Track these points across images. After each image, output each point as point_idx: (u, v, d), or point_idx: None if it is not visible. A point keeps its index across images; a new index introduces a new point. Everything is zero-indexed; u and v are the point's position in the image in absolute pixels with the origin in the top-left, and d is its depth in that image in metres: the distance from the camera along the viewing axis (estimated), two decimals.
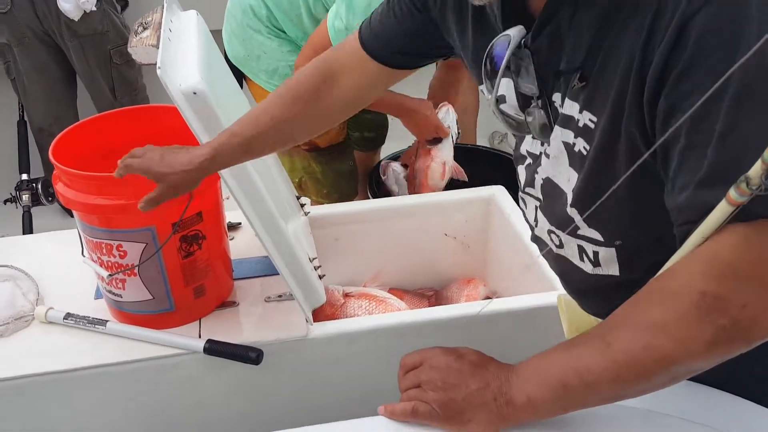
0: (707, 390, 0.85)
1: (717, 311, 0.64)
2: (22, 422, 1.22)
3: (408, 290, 1.72)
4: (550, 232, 0.86)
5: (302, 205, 1.62)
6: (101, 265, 1.20)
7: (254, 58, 1.82)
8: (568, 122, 0.75)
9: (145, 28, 1.12)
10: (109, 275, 1.19)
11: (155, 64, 1.00)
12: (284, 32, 1.80)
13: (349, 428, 0.82)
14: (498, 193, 1.69)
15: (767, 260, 0.63)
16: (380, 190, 2.02)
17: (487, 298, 1.63)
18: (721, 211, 0.61)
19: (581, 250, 0.83)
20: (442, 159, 1.89)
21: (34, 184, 2.49)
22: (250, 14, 1.77)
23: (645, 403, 0.79)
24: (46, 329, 1.26)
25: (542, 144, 0.84)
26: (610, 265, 0.81)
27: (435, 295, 1.71)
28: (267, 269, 1.42)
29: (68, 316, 1.25)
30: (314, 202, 2.00)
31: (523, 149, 0.90)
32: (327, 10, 1.67)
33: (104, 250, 1.18)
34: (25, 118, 2.76)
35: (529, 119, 0.81)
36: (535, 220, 0.90)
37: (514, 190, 1.79)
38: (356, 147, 2.17)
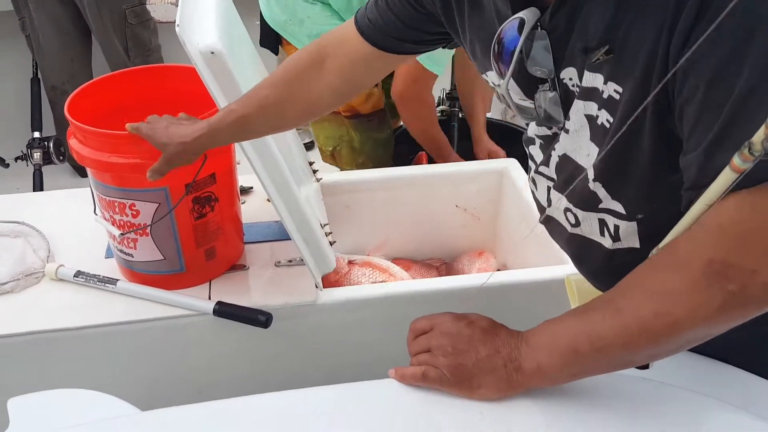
0: (710, 362, 0.85)
1: (726, 278, 0.64)
2: (30, 377, 1.23)
3: (416, 260, 1.72)
4: (566, 210, 0.86)
5: (314, 171, 1.61)
6: (113, 224, 1.20)
7: (297, 22, 1.82)
8: (591, 94, 0.74)
9: None
10: (121, 234, 1.20)
11: (173, 22, 0.99)
12: (328, 1, 1.79)
13: (359, 389, 0.82)
14: (511, 165, 1.68)
15: None
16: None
17: (498, 270, 1.64)
18: (726, 177, 0.61)
19: (602, 224, 0.82)
20: None
21: (45, 143, 2.48)
22: None
23: (649, 374, 0.80)
24: (56, 286, 1.27)
25: (550, 128, 0.84)
26: (630, 238, 0.81)
27: (445, 267, 1.71)
28: (278, 234, 1.42)
29: (78, 273, 1.26)
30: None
31: (531, 132, 0.89)
32: None
33: (117, 209, 1.18)
34: (39, 76, 2.75)
35: (537, 103, 0.80)
36: (548, 200, 0.89)
37: (527, 163, 1.79)
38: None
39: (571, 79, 0.76)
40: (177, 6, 1.03)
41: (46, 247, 1.34)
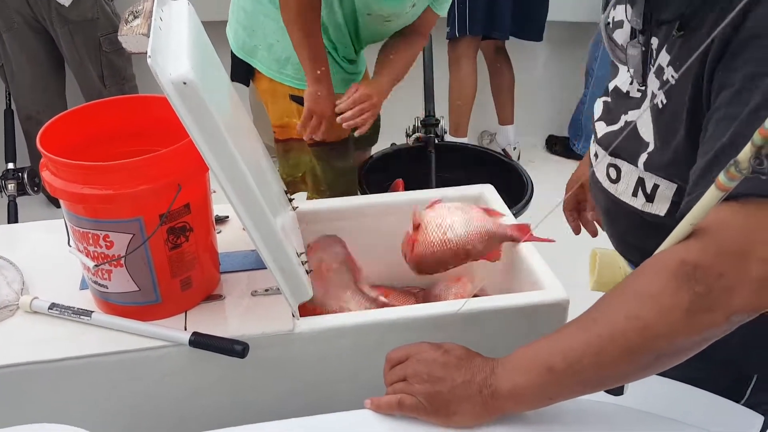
0: (679, 385, 0.86)
1: (694, 279, 0.65)
2: (4, 411, 1.20)
3: (394, 287, 1.72)
4: (610, 165, 0.88)
5: (291, 200, 1.61)
6: (87, 256, 1.19)
7: (266, 47, 1.82)
8: (659, 73, 0.77)
9: (135, 17, 1.11)
10: (95, 266, 1.18)
11: (145, 53, 0.99)
12: None
13: (334, 421, 0.82)
14: (486, 191, 1.70)
15: (748, 235, 0.64)
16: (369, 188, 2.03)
17: (476, 296, 1.64)
18: (712, 194, 0.62)
19: (640, 183, 0.84)
20: None
21: (20, 174, 2.47)
22: (265, 1, 1.77)
23: (621, 401, 0.80)
24: (30, 319, 1.25)
25: (631, 83, 0.87)
26: (662, 202, 0.82)
27: (423, 294, 1.71)
28: (254, 263, 1.42)
29: (53, 306, 1.24)
30: (310, 199, 2.01)
31: (613, 84, 0.93)
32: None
33: (90, 240, 1.17)
34: (12, 107, 2.73)
35: (629, 52, 0.83)
36: (596, 154, 0.91)
37: (502, 189, 1.81)
38: None
39: (653, 46, 0.79)
40: (148, 37, 1.04)
41: (20, 280, 1.32)
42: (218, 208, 1.46)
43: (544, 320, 1.32)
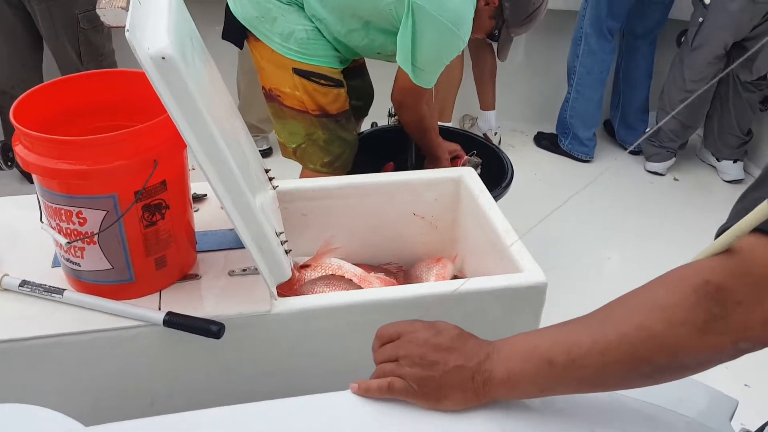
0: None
1: (713, 299, 0.65)
2: None
3: (373, 266, 1.72)
4: None
5: (270, 179, 1.60)
6: (60, 232, 1.17)
7: (269, 20, 1.84)
8: None
9: None
10: (68, 243, 1.16)
11: (124, 26, 0.96)
12: (302, 5, 1.84)
13: (315, 402, 0.81)
14: (466, 174, 1.70)
15: None
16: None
17: (455, 277, 1.64)
18: (758, 214, 0.61)
19: None
20: None
21: None
22: None
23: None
24: (0, 296, 1.23)
25: None
26: None
27: (403, 274, 1.71)
28: (231, 242, 1.40)
29: (24, 283, 1.22)
30: (312, 171, 2.03)
31: None
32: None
33: (63, 217, 1.15)
34: None
35: None
36: None
37: (482, 173, 1.82)
38: None
39: None
40: (127, 10, 1.01)
41: None
42: (196, 186, 1.44)
43: (522, 303, 1.33)
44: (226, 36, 1.97)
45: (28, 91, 1.21)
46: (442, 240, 1.74)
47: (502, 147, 2.50)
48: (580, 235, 2.74)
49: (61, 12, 2.50)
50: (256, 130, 3.06)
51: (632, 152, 3.42)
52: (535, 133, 3.57)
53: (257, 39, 1.89)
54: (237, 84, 3.02)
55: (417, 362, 0.78)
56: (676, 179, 3.30)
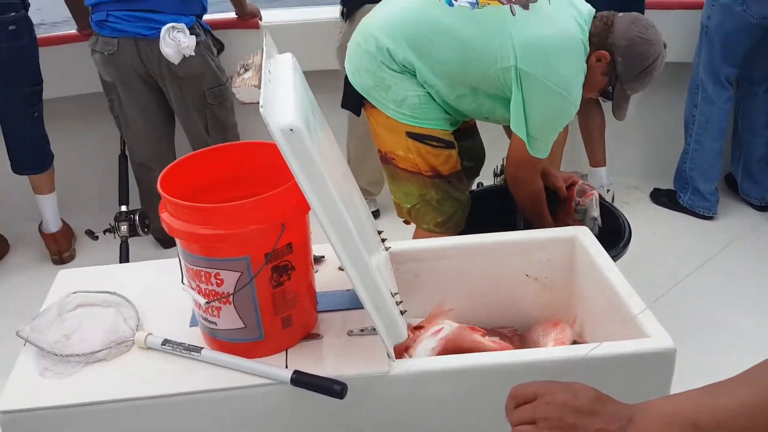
0: None
1: None
2: None
3: (487, 329, 1.71)
4: None
5: (383, 240, 1.65)
6: (199, 293, 1.26)
7: (384, 88, 1.95)
8: None
9: (246, 70, 1.19)
10: (207, 303, 1.25)
11: (257, 102, 1.06)
12: (414, 73, 1.93)
13: None
14: (581, 233, 1.67)
15: None
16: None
17: (574, 342, 1.60)
18: None
19: None
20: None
21: (132, 216, 2.64)
22: (386, 54, 1.92)
23: None
24: (145, 354, 1.33)
25: None
26: None
27: (518, 338, 1.69)
28: (349, 302, 1.45)
29: (166, 342, 1.31)
30: (425, 231, 2.09)
31: None
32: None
33: (203, 278, 1.24)
34: (126, 153, 2.94)
35: None
36: None
37: (598, 233, 1.78)
38: None
39: None
40: (259, 88, 1.11)
41: (136, 317, 1.41)
42: (315, 248, 1.51)
43: (650, 370, 1.28)
44: (345, 105, 2.09)
45: (171, 164, 1.34)
46: (557, 302, 1.71)
47: (616, 204, 2.44)
48: (707, 298, 2.58)
49: (191, 90, 2.73)
50: (365, 193, 3.14)
51: (758, 207, 3.24)
52: (652, 190, 3.46)
53: (373, 106, 1.99)
54: (347, 148, 3.15)
55: (556, 425, 0.76)
56: None
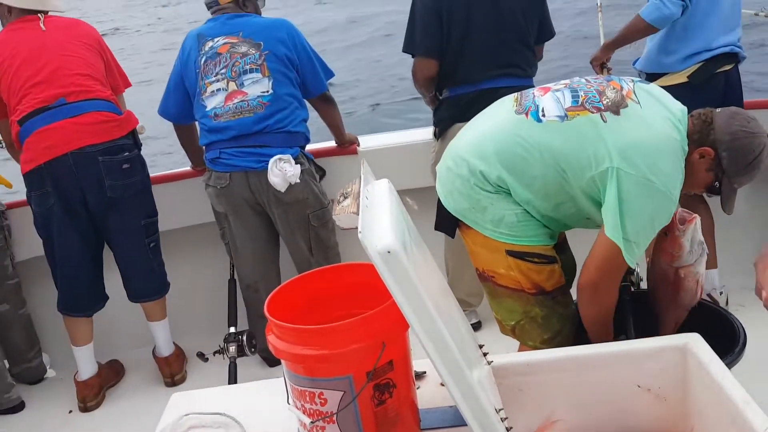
0: None
1: None
2: None
3: None
4: None
5: (485, 354, 1.64)
6: (304, 413, 1.30)
7: (480, 209, 1.96)
8: None
9: (345, 198, 1.28)
10: (311, 422, 1.28)
11: (356, 228, 1.13)
12: (509, 192, 1.94)
13: None
14: (693, 341, 1.60)
15: None
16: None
17: None
18: None
19: None
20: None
21: (240, 337, 2.74)
22: (480, 176, 1.94)
23: None
24: None
25: None
26: None
27: None
28: (454, 420, 1.43)
29: None
30: (531, 348, 2.04)
31: None
32: (565, 181, 1.87)
33: (307, 398, 1.28)
34: (235, 277, 3.10)
35: None
36: None
37: (710, 337, 1.69)
38: None
39: None
40: (358, 215, 1.19)
41: None
42: (416, 364, 1.52)
43: None
44: (438, 227, 2.10)
45: (277, 288, 1.42)
46: (672, 414, 1.61)
47: (730, 307, 2.32)
48: None
49: (295, 213, 2.90)
50: (465, 305, 3.15)
51: None
52: None
53: (469, 227, 2.00)
54: (445, 261, 3.18)
55: None
56: None
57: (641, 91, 1.91)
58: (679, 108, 1.92)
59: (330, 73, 3.06)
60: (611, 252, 1.83)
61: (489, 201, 1.94)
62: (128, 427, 2.86)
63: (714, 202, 3.09)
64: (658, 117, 1.86)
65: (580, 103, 1.88)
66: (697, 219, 1.96)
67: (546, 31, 2.99)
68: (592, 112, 1.85)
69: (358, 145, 3.32)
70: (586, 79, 1.98)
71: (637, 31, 2.94)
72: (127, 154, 2.87)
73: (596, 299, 1.93)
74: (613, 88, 1.90)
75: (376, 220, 1.23)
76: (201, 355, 2.88)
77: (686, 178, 1.85)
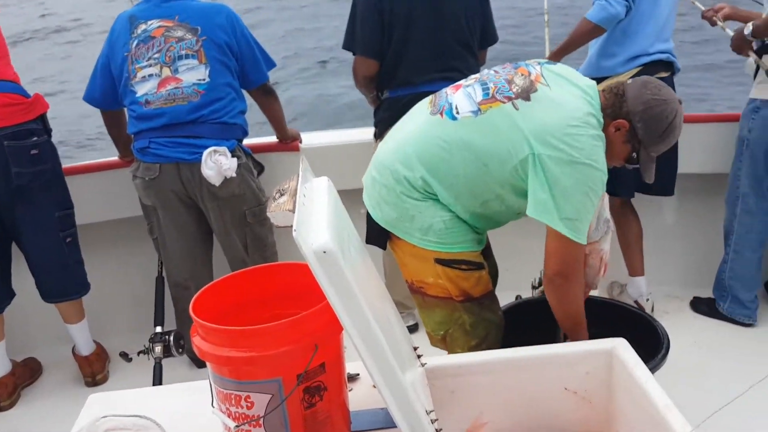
0: None
1: None
2: None
3: None
4: None
5: (419, 356, 1.63)
6: (229, 416, 1.26)
7: (408, 218, 1.94)
8: None
9: (282, 195, 1.24)
10: (236, 426, 1.24)
11: (291, 226, 1.10)
12: (436, 197, 1.93)
13: None
14: (619, 345, 1.64)
15: None
16: None
17: None
18: None
19: None
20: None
21: (167, 337, 2.65)
22: (405, 183, 1.92)
23: None
24: None
25: None
26: None
27: None
28: (384, 421, 1.42)
29: None
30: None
31: None
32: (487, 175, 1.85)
33: (233, 401, 1.24)
34: (163, 274, 2.99)
35: None
36: None
37: (636, 343, 1.74)
38: None
39: None
40: (293, 212, 1.15)
41: None
42: (349, 366, 1.50)
43: None
44: (369, 240, 2.07)
45: (205, 287, 1.37)
46: (596, 416, 1.65)
47: (655, 314, 2.39)
48: (755, 418, 2.45)
49: (230, 209, 2.80)
50: (402, 307, 3.14)
51: None
52: (691, 298, 3.40)
53: (399, 238, 1.99)
54: (383, 264, 3.17)
55: None
56: None
57: (549, 73, 1.92)
58: (588, 84, 1.93)
59: (271, 63, 2.96)
60: (560, 238, 1.82)
61: (417, 209, 1.93)
62: (44, 429, 2.72)
63: (642, 210, 3.22)
64: (568, 95, 1.87)
65: (491, 95, 1.88)
66: (606, 195, 1.98)
67: (489, 36, 3.01)
68: (504, 102, 1.86)
69: (300, 141, 3.26)
70: (494, 70, 1.99)
71: (585, 33, 2.98)
72: (35, 139, 2.70)
73: (567, 287, 1.91)
74: (522, 75, 1.91)
75: (312, 218, 1.20)
76: (124, 355, 2.75)
77: (607, 153, 1.86)
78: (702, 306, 3.32)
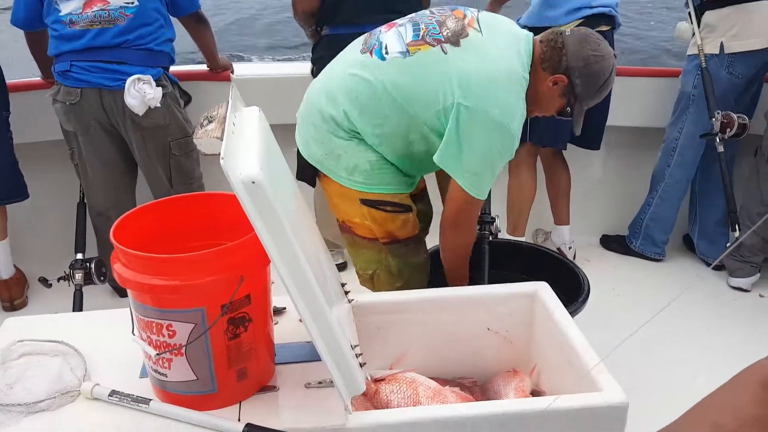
0: None
1: None
2: None
3: (447, 380, 1.70)
4: None
5: (347, 293, 1.64)
6: (150, 344, 1.23)
7: (334, 157, 1.92)
8: None
9: (210, 121, 1.19)
10: (157, 354, 1.22)
11: (218, 154, 1.06)
12: (360, 134, 1.90)
13: None
14: (541, 288, 1.69)
15: None
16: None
17: (534, 392, 1.60)
18: None
19: None
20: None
21: (88, 264, 2.57)
22: (331, 122, 1.89)
23: None
24: (91, 405, 1.29)
25: None
26: None
27: (479, 388, 1.68)
28: (309, 355, 1.43)
29: (113, 393, 1.28)
30: None
31: None
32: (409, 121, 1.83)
33: (154, 329, 1.22)
34: (85, 201, 2.89)
35: None
36: None
37: (557, 287, 1.80)
38: None
39: None
40: (221, 140, 1.11)
41: (83, 367, 1.37)
42: (276, 299, 1.50)
43: (602, 424, 1.29)
44: (300, 177, 2.04)
45: (127, 213, 1.32)
46: (517, 356, 1.72)
47: (577, 261, 2.48)
48: (662, 354, 2.62)
49: (154, 140, 2.70)
50: (331, 246, 3.14)
51: (715, 267, 3.32)
52: (601, 236, 3.56)
53: (327, 176, 1.97)
54: (314, 202, 3.15)
55: None
56: (761, 296, 3.16)
57: (485, 18, 1.90)
58: (524, 33, 1.92)
59: None
60: (461, 189, 1.84)
61: (343, 149, 1.90)
62: None
63: (575, 160, 3.29)
64: (501, 45, 1.85)
65: (420, 36, 1.85)
66: None
67: None
68: (433, 45, 1.83)
69: (232, 72, 3.16)
70: (430, 11, 1.95)
71: None
72: None
73: (455, 234, 1.95)
74: (455, 18, 1.88)
75: (241, 147, 1.17)
76: (44, 281, 2.67)
77: (539, 105, 1.88)
78: (612, 243, 3.49)
